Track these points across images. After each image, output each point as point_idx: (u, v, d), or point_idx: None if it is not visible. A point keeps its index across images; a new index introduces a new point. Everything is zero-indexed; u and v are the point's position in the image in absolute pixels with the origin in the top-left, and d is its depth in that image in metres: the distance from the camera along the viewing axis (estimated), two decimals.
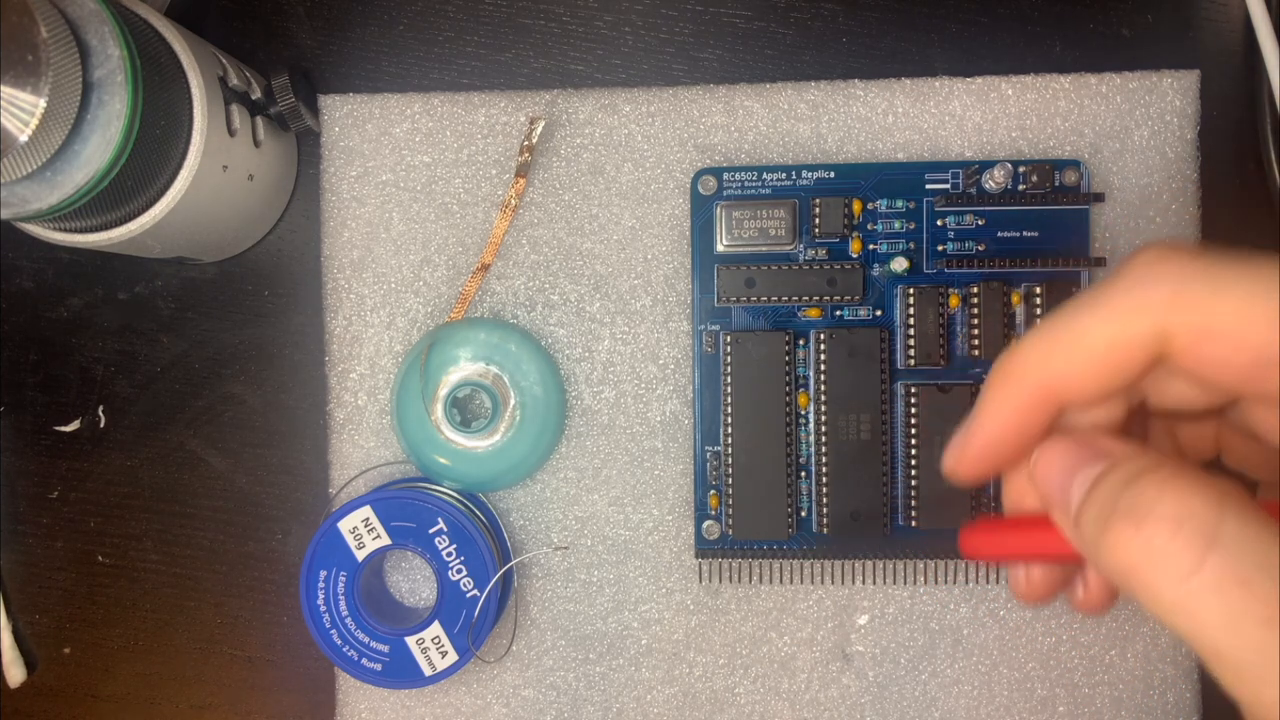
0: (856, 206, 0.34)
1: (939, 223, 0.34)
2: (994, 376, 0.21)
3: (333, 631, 0.34)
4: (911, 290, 0.34)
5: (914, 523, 0.34)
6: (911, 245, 0.34)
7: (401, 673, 0.34)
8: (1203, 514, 0.16)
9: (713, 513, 0.35)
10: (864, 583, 0.35)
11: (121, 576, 0.38)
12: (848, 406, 0.34)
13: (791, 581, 0.35)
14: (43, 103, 0.25)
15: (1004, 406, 0.21)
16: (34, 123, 0.25)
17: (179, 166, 0.30)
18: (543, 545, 0.36)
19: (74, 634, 0.38)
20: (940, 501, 0.34)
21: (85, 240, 0.30)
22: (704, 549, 0.35)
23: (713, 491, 0.35)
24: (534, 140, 0.34)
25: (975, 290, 0.34)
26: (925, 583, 0.35)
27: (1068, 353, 0.20)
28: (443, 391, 0.34)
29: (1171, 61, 0.35)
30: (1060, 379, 0.20)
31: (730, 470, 0.34)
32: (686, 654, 0.36)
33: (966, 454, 0.22)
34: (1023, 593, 0.23)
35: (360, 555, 0.34)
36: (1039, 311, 0.33)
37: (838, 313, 0.34)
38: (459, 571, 0.34)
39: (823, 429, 0.34)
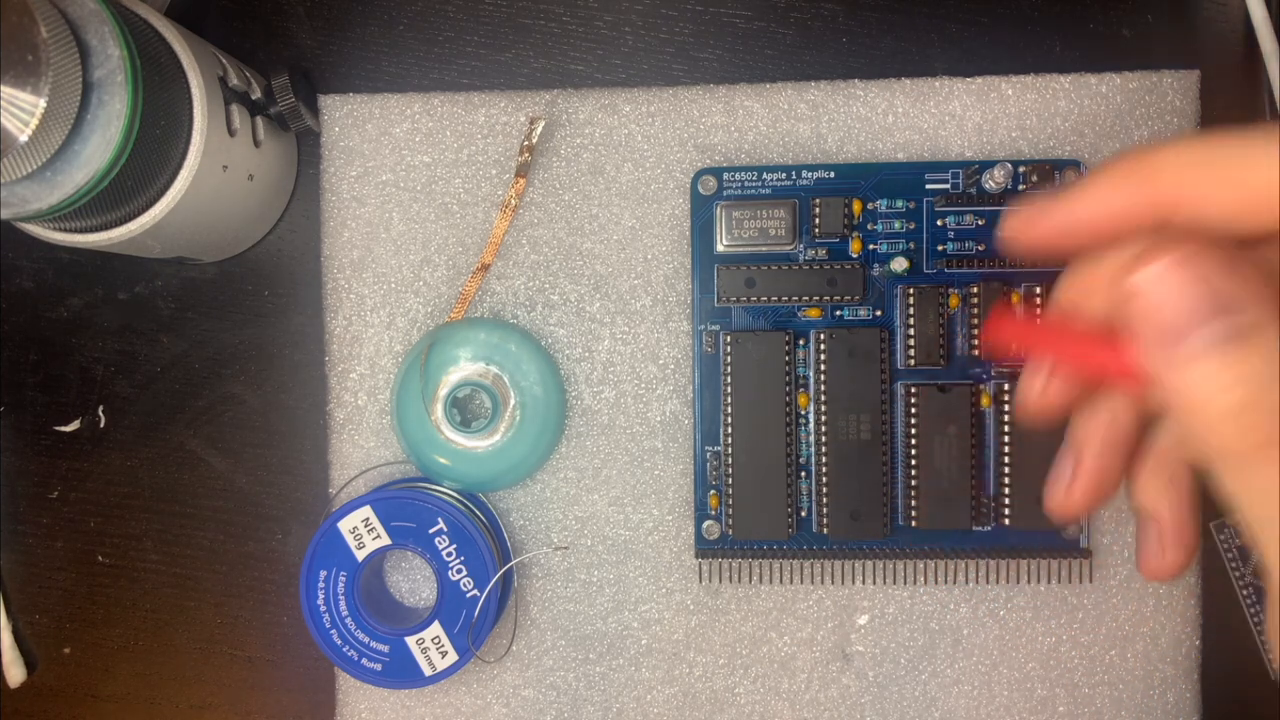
0: (856, 206, 0.34)
1: (939, 223, 0.34)
2: (1123, 165, 0.20)
3: (333, 631, 0.34)
4: (911, 290, 0.34)
5: (914, 523, 0.34)
6: (911, 245, 0.34)
7: (401, 673, 0.34)
8: None
9: (713, 513, 0.35)
10: (864, 583, 0.35)
11: (121, 576, 0.38)
12: (848, 406, 0.34)
13: (791, 581, 0.35)
14: (43, 103, 0.25)
15: (1116, 196, 0.20)
16: (34, 123, 0.25)
17: (179, 166, 0.30)
18: (543, 545, 0.36)
19: (74, 634, 0.38)
20: (940, 501, 0.34)
21: (85, 240, 0.30)
22: (704, 549, 0.35)
23: (713, 491, 0.35)
24: (534, 140, 0.34)
25: (975, 290, 0.34)
26: (925, 583, 0.35)
27: (1222, 175, 0.19)
28: (443, 391, 0.34)
29: (1171, 61, 0.35)
30: (1196, 200, 0.19)
31: (730, 470, 0.34)
32: (686, 654, 0.36)
33: (1045, 220, 0.21)
34: (1032, 402, 0.22)
35: (360, 555, 0.34)
36: (1039, 311, 0.33)
37: (838, 313, 0.34)
38: (459, 571, 0.34)
39: (823, 429, 0.34)
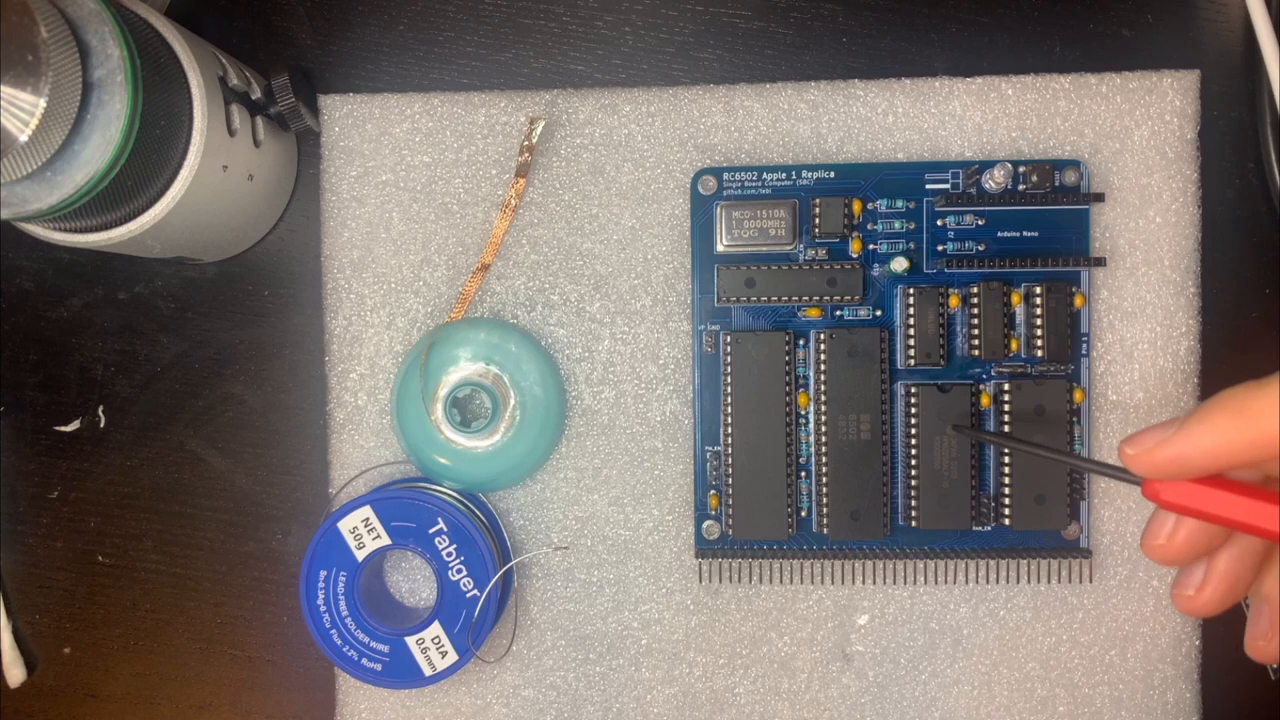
0: (856, 206, 0.34)
1: (939, 223, 0.34)
2: (1227, 407, 0.20)
3: (333, 631, 0.34)
4: (911, 290, 0.34)
5: (914, 523, 0.34)
6: (911, 245, 0.34)
7: (401, 673, 0.34)
8: None
9: (713, 513, 0.35)
10: (864, 583, 0.35)
11: (121, 576, 0.38)
12: (848, 406, 0.34)
13: (791, 581, 0.35)
14: (43, 103, 0.25)
15: (1222, 437, 0.20)
16: (34, 123, 0.25)
17: (179, 166, 0.30)
18: (543, 545, 0.36)
19: (74, 634, 0.38)
20: (940, 501, 0.34)
21: (85, 240, 0.30)
22: (704, 549, 0.35)
23: (713, 491, 0.35)
24: (534, 140, 0.35)
25: (975, 290, 0.34)
26: (925, 583, 0.35)
27: None
28: (443, 391, 0.34)
29: (1171, 61, 0.35)
30: None
31: (730, 470, 0.34)
32: (686, 654, 0.36)
33: (1161, 451, 0.21)
34: (1159, 547, 0.22)
35: (360, 555, 0.34)
36: (1039, 311, 0.33)
37: (838, 313, 0.34)
38: (459, 571, 0.34)
39: (823, 429, 0.34)
